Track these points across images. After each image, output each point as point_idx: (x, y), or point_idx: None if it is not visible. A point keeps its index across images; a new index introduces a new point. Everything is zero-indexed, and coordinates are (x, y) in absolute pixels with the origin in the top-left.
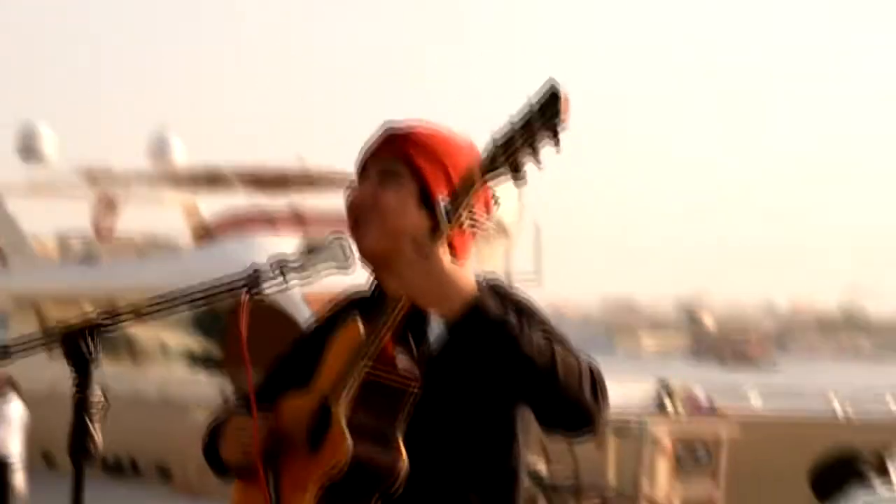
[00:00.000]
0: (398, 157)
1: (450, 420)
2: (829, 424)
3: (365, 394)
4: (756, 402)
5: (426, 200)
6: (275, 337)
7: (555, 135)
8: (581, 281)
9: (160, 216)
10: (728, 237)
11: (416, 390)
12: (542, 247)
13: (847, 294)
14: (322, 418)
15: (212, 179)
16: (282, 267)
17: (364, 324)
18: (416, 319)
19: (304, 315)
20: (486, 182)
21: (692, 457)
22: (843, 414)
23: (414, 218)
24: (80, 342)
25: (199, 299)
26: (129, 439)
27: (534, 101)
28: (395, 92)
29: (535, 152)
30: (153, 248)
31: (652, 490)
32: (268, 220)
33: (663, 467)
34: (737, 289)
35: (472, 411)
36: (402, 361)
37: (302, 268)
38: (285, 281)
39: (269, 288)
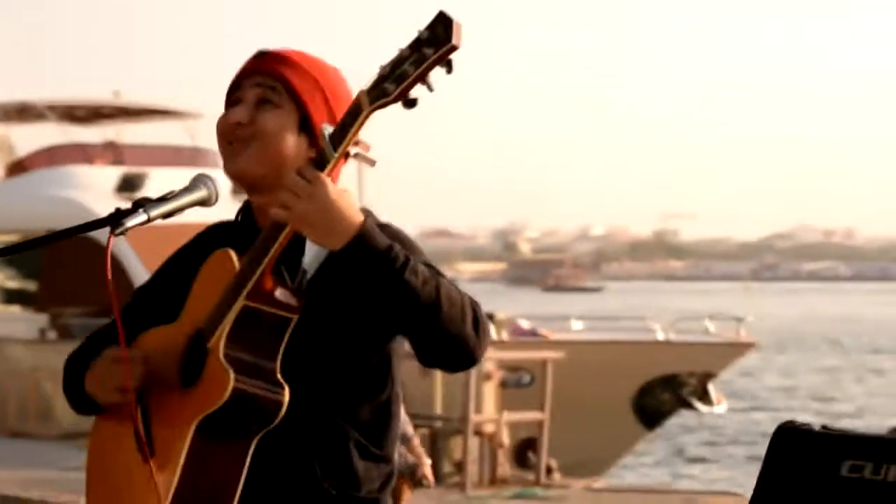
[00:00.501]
0: (276, 80)
1: (325, 352)
2: (651, 348)
3: (242, 326)
4: (577, 326)
5: (304, 125)
6: (93, 274)
7: (446, 60)
8: (399, 210)
9: None
10: (546, 168)
11: (295, 320)
12: (364, 176)
13: (661, 219)
14: (196, 353)
15: (23, 112)
16: (143, 205)
17: (238, 255)
18: (289, 247)
19: (126, 253)
20: (374, 110)
21: (518, 383)
22: (665, 338)
23: (292, 143)
24: None
25: (56, 239)
26: None
27: (423, 28)
28: (223, 25)
29: (424, 78)
30: None
31: (479, 417)
32: (82, 152)
33: (489, 394)
34: (553, 218)
35: (348, 343)
36: (281, 291)
37: (164, 205)
38: (148, 219)
39: (132, 225)
